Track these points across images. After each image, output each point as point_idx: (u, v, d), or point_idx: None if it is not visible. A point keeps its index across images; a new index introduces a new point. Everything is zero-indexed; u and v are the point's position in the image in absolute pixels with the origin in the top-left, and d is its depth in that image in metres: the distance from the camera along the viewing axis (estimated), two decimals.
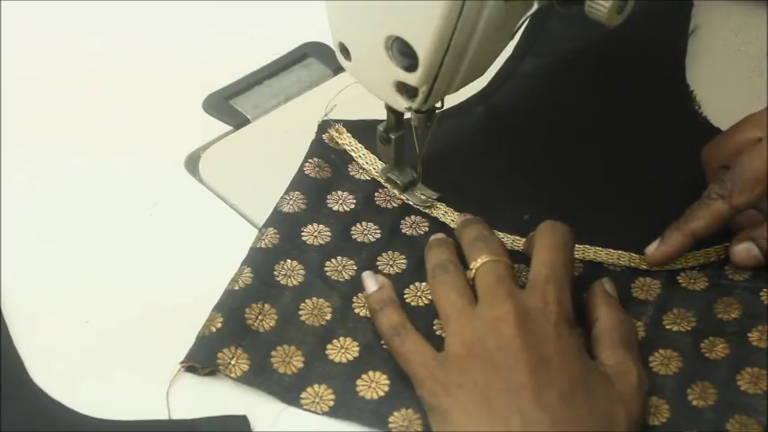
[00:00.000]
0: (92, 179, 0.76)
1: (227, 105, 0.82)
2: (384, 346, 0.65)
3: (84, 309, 0.67)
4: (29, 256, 0.71)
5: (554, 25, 0.84)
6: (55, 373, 0.64)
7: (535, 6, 0.62)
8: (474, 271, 0.64)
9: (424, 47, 0.60)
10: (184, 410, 0.63)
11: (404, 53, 0.62)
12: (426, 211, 0.73)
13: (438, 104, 0.67)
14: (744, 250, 0.68)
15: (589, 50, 0.83)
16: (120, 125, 0.80)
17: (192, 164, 0.77)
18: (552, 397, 0.57)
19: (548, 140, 0.78)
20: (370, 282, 0.67)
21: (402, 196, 0.74)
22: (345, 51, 0.65)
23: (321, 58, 0.85)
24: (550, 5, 0.62)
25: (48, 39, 0.87)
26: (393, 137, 0.71)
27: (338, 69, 0.83)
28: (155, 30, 0.88)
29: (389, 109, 0.69)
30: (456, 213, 0.72)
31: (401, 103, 0.65)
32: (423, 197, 0.73)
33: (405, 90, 0.64)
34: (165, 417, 0.62)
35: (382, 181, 0.75)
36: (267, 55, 0.85)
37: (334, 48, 0.66)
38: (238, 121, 0.81)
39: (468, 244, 0.66)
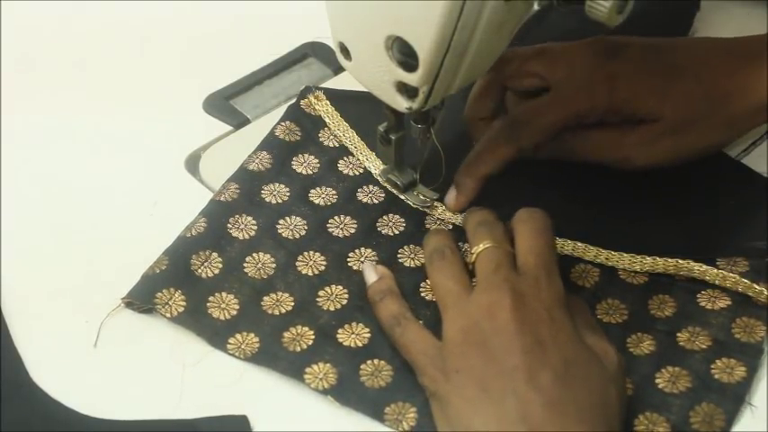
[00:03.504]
0: (92, 179, 0.76)
1: (228, 105, 0.82)
2: (318, 303, 0.67)
3: (84, 309, 0.67)
4: (29, 256, 0.71)
5: (554, 18, 0.84)
6: (55, 373, 0.64)
7: (535, 6, 0.62)
8: (475, 255, 0.65)
9: (424, 47, 0.60)
10: (184, 410, 0.63)
11: (404, 53, 0.62)
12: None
13: (438, 104, 0.67)
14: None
15: None
16: (121, 125, 0.80)
17: (192, 164, 0.77)
18: (546, 378, 0.58)
19: None
20: (370, 272, 0.68)
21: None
22: (345, 51, 0.65)
23: (321, 58, 0.85)
24: (550, 5, 0.62)
25: (48, 38, 0.87)
26: (393, 137, 0.71)
27: (338, 69, 0.83)
28: (155, 30, 0.88)
29: (389, 109, 0.68)
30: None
31: (401, 103, 0.65)
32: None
33: (405, 90, 0.64)
34: (165, 417, 0.62)
35: (355, 152, 0.76)
36: (267, 55, 0.85)
37: (334, 48, 0.66)
38: (239, 121, 0.81)
39: (471, 229, 0.67)
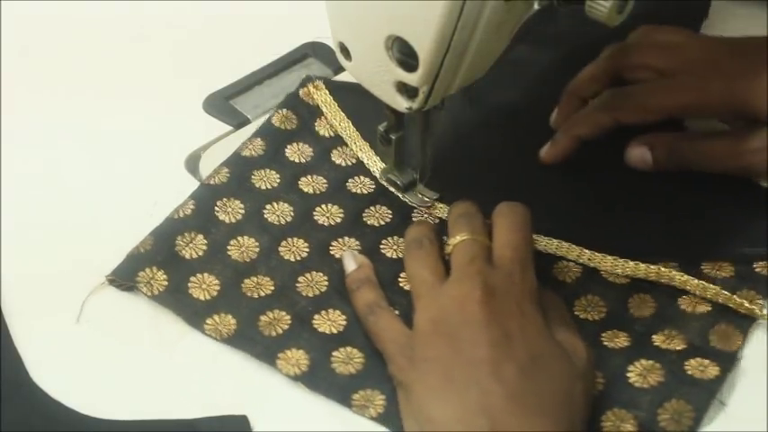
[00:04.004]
0: (92, 179, 0.76)
1: (228, 105, 0.82)
2: (297, 288, 0.68)
3: (84, 309, 0.67)
4: (29, 256, 0.71)
5: (554, 18, 0.84)
6: (55, 373, 0.64)
7: (536, 6, 0.62)
8: (452, 247, 0.65)
9: (424, 47, 0.60)
10: (184, 410, 0.63)
11: (404, 53, 0.62)
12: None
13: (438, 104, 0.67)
14: (638, 154, 0.74)
15: (584, 45, 0.83)
16: (121, 125, 0.80)
17: (192, 164, 0.77)
18: (510, 371, 0.58)
19: (530, 132, 0.78)
20: (350, 261, 0.68)
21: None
22: (345, 51, 0.65)
23: (321, 58, 0.85)
24: (550, 5, 0.62)
25: (48, 38, 0.87)
26: (393, 137, 0.71)
27: (338, 69, 0.83)
28: (155, 29, 0.88)
29: (390, 109, 0.68)
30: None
31: (401, 103, 0.65)
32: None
33: (405, 90, 0.64)
34: (164, 417, 0.62)
35: (349, 142, 0.76)
36: (267, 55, 0.85)
37: (334, 48, 0.66)
38: (239, 121, 0.81)
39: (452, 219, 0.68)
